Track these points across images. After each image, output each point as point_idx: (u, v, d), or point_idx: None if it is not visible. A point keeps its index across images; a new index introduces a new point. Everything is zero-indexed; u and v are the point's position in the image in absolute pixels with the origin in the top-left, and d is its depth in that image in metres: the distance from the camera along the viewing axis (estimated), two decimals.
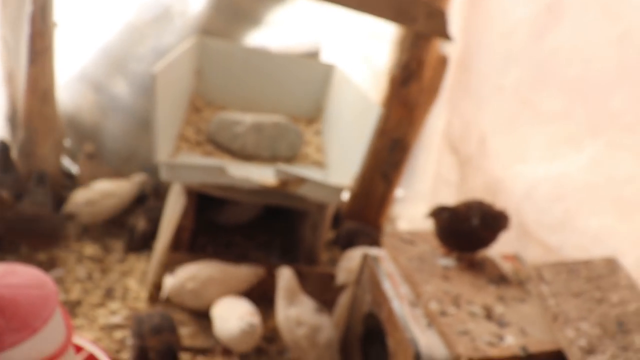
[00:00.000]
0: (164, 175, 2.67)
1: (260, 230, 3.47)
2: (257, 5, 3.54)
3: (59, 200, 3.51)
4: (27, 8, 2.92)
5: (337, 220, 3.57)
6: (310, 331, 2.48)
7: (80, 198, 3.23)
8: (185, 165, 2.72)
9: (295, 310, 2.52)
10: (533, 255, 2.69)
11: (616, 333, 1.96)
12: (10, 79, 3.19)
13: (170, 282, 2.73)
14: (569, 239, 2.59)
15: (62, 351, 1.86)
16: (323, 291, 2.90)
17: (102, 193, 3.29)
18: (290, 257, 2.96)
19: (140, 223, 3.24)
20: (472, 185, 3.20)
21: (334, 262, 3.44)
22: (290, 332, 2.51)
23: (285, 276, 2.57)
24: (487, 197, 2.95)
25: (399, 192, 3.72)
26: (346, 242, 3.26)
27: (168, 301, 2.78)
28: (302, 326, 2.49)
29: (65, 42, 3.33)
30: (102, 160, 3.61)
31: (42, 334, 1.74)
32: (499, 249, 2.59)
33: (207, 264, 2.80)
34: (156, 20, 3.49)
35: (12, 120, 3.30)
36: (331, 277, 2.94)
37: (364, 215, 3.60)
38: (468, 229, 2.36)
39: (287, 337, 2.53)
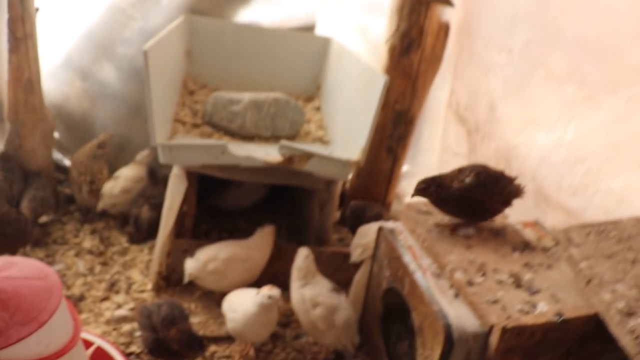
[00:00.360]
0: (162, 158, 2.54)
1: (265, 214, 3.35)
2: None
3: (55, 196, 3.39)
4: None
5: (342, 199, 3.44)
6: (327, 311, 2.37)
7: (116, 189, 3.21)
8: (185, 145, 2.59)
9: (311, 291, 2.41)
10: (554, 221, 2.58)
11: None
12: None
13: (191, 265, 2.63)
14: (592, 201, 2.48)
15: (70, 345, 1.75)
16: (336, 271, 2.80)
17: (132, 179, 3.27)
18: (298, 238, 2.84)
19: (144, 212, 3.11)
20: (483, 154, 3.09)
21: (342, 242, 3.33)
22: (306, 313, 2.40)
23: (301, 256, 2.46)
24: (499, 165, 2.85)
25: (404, 167, 3.59)
26: (354, 221, 3.14)
27: (174, 290, 2.67)
28: (319, 307, 2.38)
29: (47, 27, 3.17)
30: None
31: (48, 327, 1.63)
32: (517, 217, 2.49)
33: (224, 243, 2.69)
34: (141, 0, 3.34)
35: None
36: (343, 256, 2.83)
37: (370, 193, 3.48)
38: (461, 191, 2.19)
39: (303, 318, 2.43)
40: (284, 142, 2.57)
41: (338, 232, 3.39)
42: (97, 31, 3.43)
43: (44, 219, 3.25)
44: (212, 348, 2.52)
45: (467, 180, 2.18)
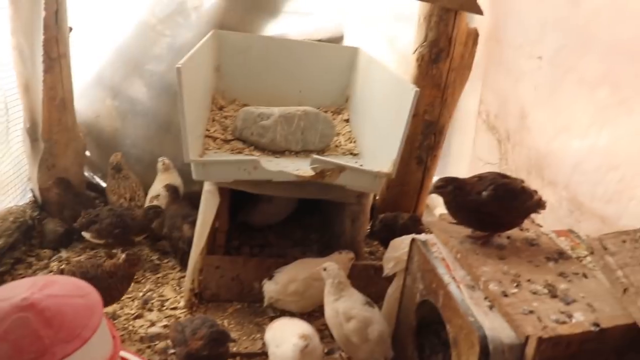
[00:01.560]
0: (196, 175, 2.55)
1: (294, 228, 3.35)
2: None
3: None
4: (40, 13, 2.83)
5: (372, 212, 3.42)
6: (361, 325, 2.34)
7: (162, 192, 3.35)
8: (218, 162, 2.60)
9: (344, 304, 2.39)
10: (588, 229, 2.53)
11: None
12: (27, 90, 3.10)
13: (271, 288, 2.67)
14: (627, 208, 2.44)
15: None
16: (368, 284, 2.77)
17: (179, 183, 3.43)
18: (329, 252, 2.82)
19: (186, 231, 3.08)
20: (514, 162, 3.06)
21: (373, 255, 3.32)
22: (340, 327, 2.38)
23: (333, 269, 2.45)
24: (532, 174, 2.82)
25: (434, 178, 3.56)
26: (385, 232, 3.12)
27: (207, 307, 2.68)
28: (352, 320, 2.35)
29: (78, 46, 3.23)
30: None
31: (91, 344, 1.65)
32: (551, 226, 2.45)
33: (300, 263, 2.72)
34: (170, 16, 3.39)
35: (32, 132, 3.21)
36: (375, 269, 2.82)
37: (400, 204, 3.46)
38: (477, 204, 2.13)
39: (336, 332, 2.41)
40: (315, 156, 2.57)
41: (368, 245, 3.37)
42: (128, 48, 3.49)
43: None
44: None
45: (484, 194, 2.12)
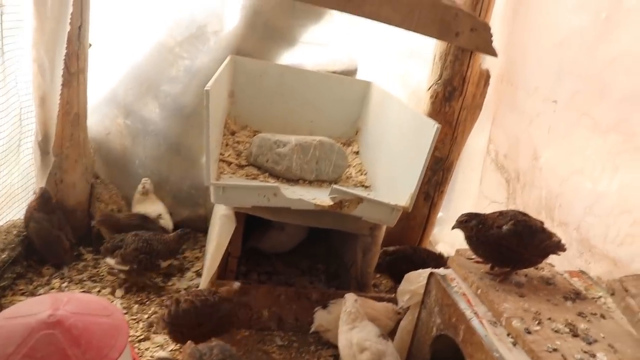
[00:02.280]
0: (215, 198, 2.54)
1: (301, 257, 3.34)
2: (292, 24, 3.46)
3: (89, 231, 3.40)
4: (65, 27, 2.82)
5: None
6: (374, 357, 2.35)
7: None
8: (238, 186, 2.60)
9: (358, 335, 2.40)
10: (598, 271, 2.57)
11: None
12: (43, 103, 3.08)
13: (323, 317, 2.69)
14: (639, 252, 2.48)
15: None
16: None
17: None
18: (336, 282, 2.82)
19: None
20: (523, 202, 3.10)
21: (376, 287, 3.32)
22: (353, 358, 2.38)
23: (350, 300, 2.46)
24: (542, 214, 2.86)
25: (439, 214, 3.60)
26: (391, 267, 3.13)
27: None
28: (366, 352, 2.36)
29: (94, 62, 3.23)
30: None
31: None
32: (560, 266, 2.49)
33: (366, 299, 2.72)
34: (189, 40, 3.40)
35: (43, 145, 3.18)
36: (381, 299, 2.82)
37: (405, 238, 3.49)
38: (497, 238, 2.18)
39: None
40: (335, 186, 2.58)
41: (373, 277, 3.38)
42: (144, 68, 3.49)
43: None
44: None
45: (505, 227, 2.17)
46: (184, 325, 2.48)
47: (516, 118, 3.21)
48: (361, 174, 3.21)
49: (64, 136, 3.10)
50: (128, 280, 3.09)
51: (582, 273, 2.49)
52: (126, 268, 3.01)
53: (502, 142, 3.35)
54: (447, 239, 3.75)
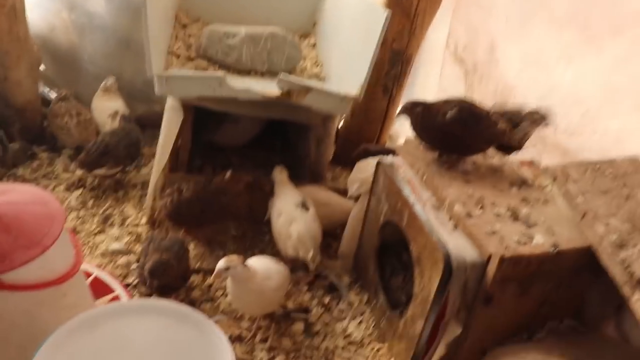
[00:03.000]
0: (158, 89, 2.48)
1: (258, 150, 3.32)
2: None
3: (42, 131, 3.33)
4: None
5: (335, 139, 3.41)
6: (286, 222, 2.46)
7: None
8: (182, 77, 2.52)
9: (279, 202, 2.55)
10: (550, 161, 2.58)
11: None
12: None
13: None
14: (589, 141, 2.50)
15: (73, 271, 1.74)
16: None
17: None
18: (292, 174, 2.81)
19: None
20: (480, 95, 3.07)
21: (335, 180, 3.33)
22: (275, 222, 2.52)
23: (275, 171, 2.63)
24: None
25: (399, 108, 3.56)
26: (347, 159, 3.12)
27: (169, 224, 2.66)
28: (281, 216, 2.49)
29: None
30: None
31: (52, 252, 1.62)
32: (513, 156, 2.50)
33: (313, 189, 2.78)
34: None
35: None
36: (339, 192, 2.83)
37: (364, 132, 3.46)
38: (441, 124, 2.16)
39: (273, 227, 2.54)
40: (283, 75, 2.52)
41: (330, 170, 3.38)
42: None
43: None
44: (209, 281, 2.53)
45: (449, 114, 2.15)
46: (186, 214, 2.54)
47: (475, 9, 3.13)
48: (316, 67, 3.14)
49: (1, 30, 2.96)
50: (106, 180, 3.07)
51: (532, 163, 2.50)
52: (119, 168, 2.99)
53: (461, 34, 3.28)
54: (408, 133, 3.73)
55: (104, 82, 3.33)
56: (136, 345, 1.79)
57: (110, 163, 2.93)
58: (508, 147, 2.32)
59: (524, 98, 2.77)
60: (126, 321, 1.76)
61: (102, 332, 1.70)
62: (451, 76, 3.37)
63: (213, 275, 2.06)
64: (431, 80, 3.58)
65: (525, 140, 2.29)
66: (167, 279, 2.19)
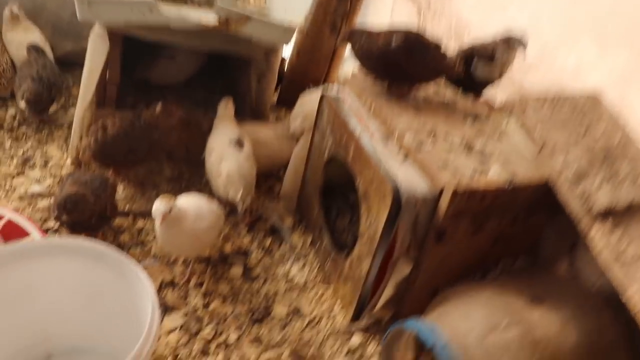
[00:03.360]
0: (80, 14, 2.24)
1: (198, 90, 3.09)
2: None
3: None
4: None
5: (279, 80, 3.21)
6: (216, 159, 2.31)
7: None
8: (108, 0, 2.28)
9: (212, 138, 2.40)
10: (504, 97, 2.48)
11: (603, 162, 1.84)
12: None
13: None
14: (546, 77, 2.41)
15: None
16: None
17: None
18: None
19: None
20: (433, 32, 2.92)
21: (280, 120, 3.16)
22: (206, 160, 2.38)
23: (221, 105, 2.47)
24: (452, 43, 2.74)
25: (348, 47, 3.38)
26: (292, 100, 2.94)
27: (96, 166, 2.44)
28: (213, 153, 2.35)
29: None
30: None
31: None
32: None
33: (256, 127, 2.63)
34: None
35: None
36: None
37: (310, 73, 3.25)
38: (384, 51, 2.04)
39: (206, 165, 2.39)
40: (220, 1, 2.31)
41: (274, 111, 3.21)
42: None
43: None
44: (140, 224, 2.34)
45: (394, 43, 2.02)
46: (113, 153, 2.33)
47: None
48: (261, 2, 2.92)
49: None
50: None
51: (487, 100, 2.37)
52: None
53: None
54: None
55: (5, 10, 2.93)
56: (47, 289, 1.61)
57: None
58: (479, 84, 2.23)
59: (478, 35, 2.65)
60: (34, 262, 1.57)
61: (4, 275, 1.51)
62: (403, 13, 3.21)
63: (159, 221, 1.85)
64: (382, 17, 3.40)
65: (507, 69, 2.21)
66: (80, 216, 1.96)
